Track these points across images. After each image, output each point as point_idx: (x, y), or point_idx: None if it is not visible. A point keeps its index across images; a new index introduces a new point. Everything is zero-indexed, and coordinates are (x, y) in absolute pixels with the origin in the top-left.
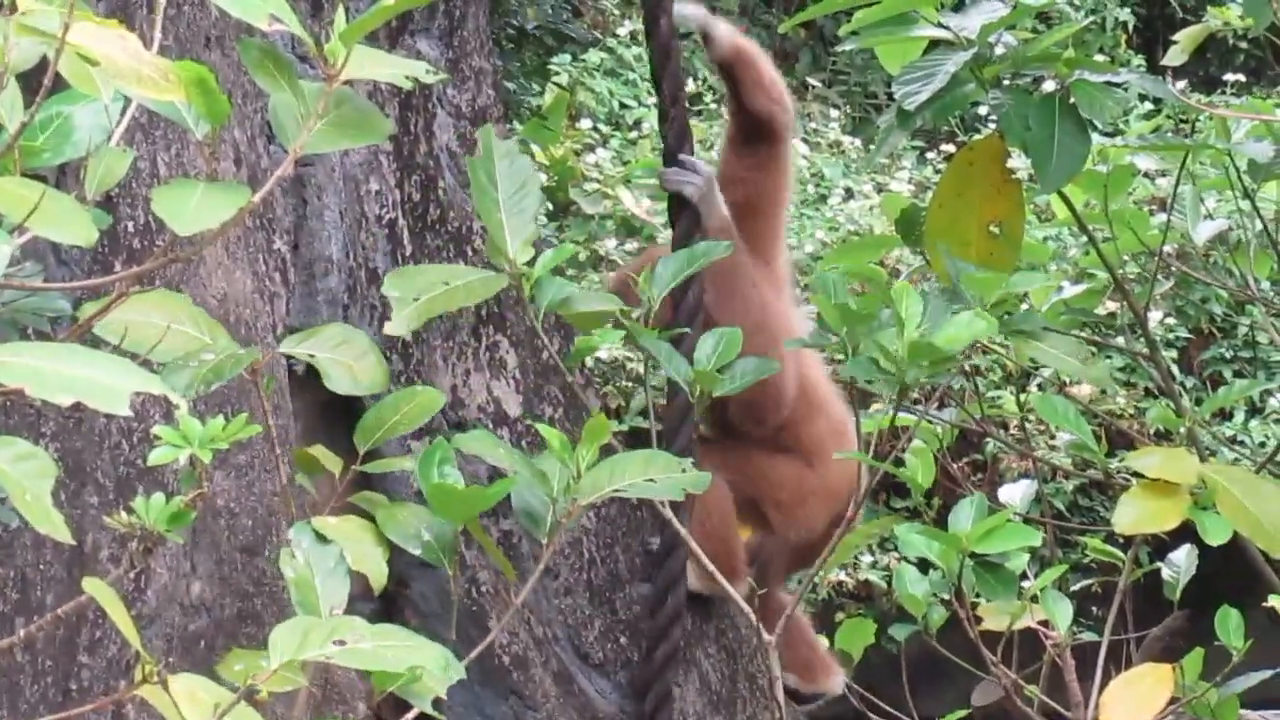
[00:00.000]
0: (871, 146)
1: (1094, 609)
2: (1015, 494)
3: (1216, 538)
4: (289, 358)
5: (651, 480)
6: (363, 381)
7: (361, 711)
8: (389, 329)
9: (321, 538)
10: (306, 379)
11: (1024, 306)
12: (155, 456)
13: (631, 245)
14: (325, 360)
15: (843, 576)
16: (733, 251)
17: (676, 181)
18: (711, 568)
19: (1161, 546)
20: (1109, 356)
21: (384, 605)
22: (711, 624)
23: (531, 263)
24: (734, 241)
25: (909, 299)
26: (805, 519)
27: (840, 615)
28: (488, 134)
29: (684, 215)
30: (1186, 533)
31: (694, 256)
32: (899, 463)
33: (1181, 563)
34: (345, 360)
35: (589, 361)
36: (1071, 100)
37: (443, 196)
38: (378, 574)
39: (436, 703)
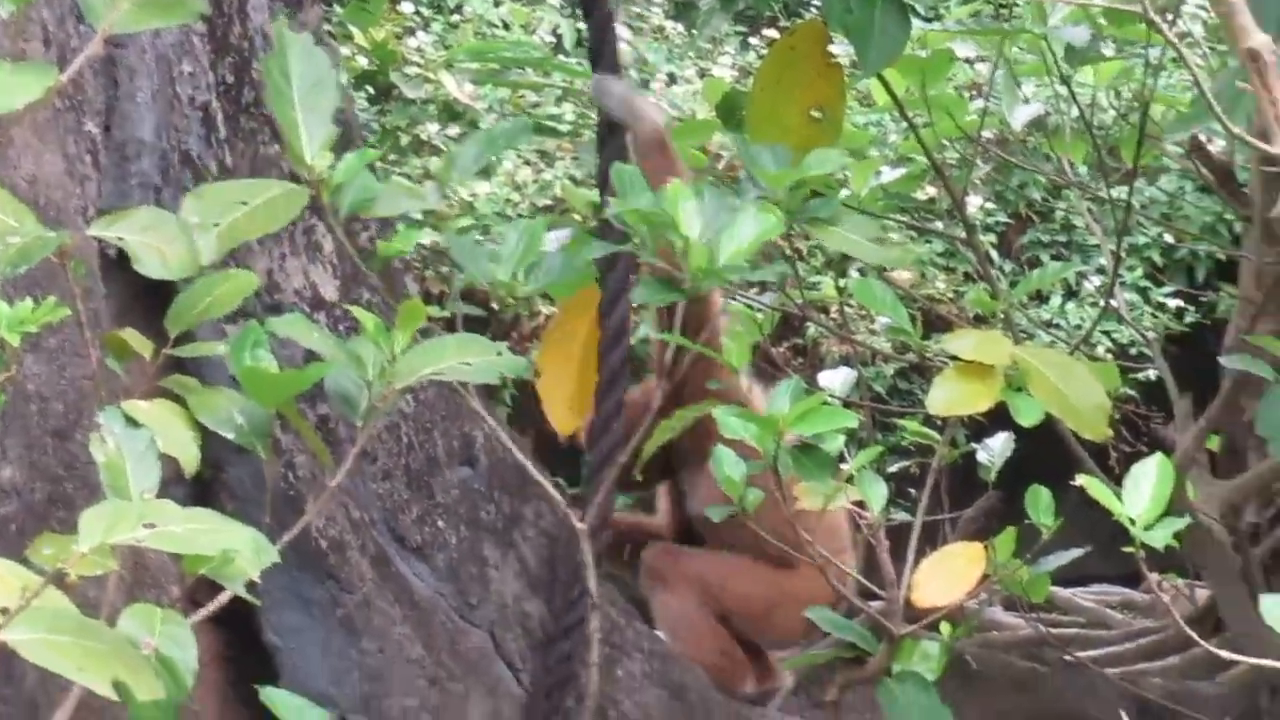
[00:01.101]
0: (694, 31)
1: (911, 491)
2: (835, 380)
3: (1029, 419)
4: (102, 241)
5: (467, 364)
6: (173, 265)
7: (175, 595)
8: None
9: (132, 422)
10: (121, 263)
11: (844, 191)
12: None
13: (454, 130)
14: (134, 243)
15: None
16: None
17: (603, 92)
18: (531, 468)
19: (979, 429)
20: (928, 241)
21: (200, 491)
22: (529, 507)
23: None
24: (669, 155)
25: (683, 202)
26: (785, 623)
27: None
28: (280, 29)
29: (612, 132)
30: (1005, 417)
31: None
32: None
33: (997, 446)
34: (155, 244)
35: (428, 231)
36: None
37: (257, 79)
38: (189, 458)
39: (249, 585)
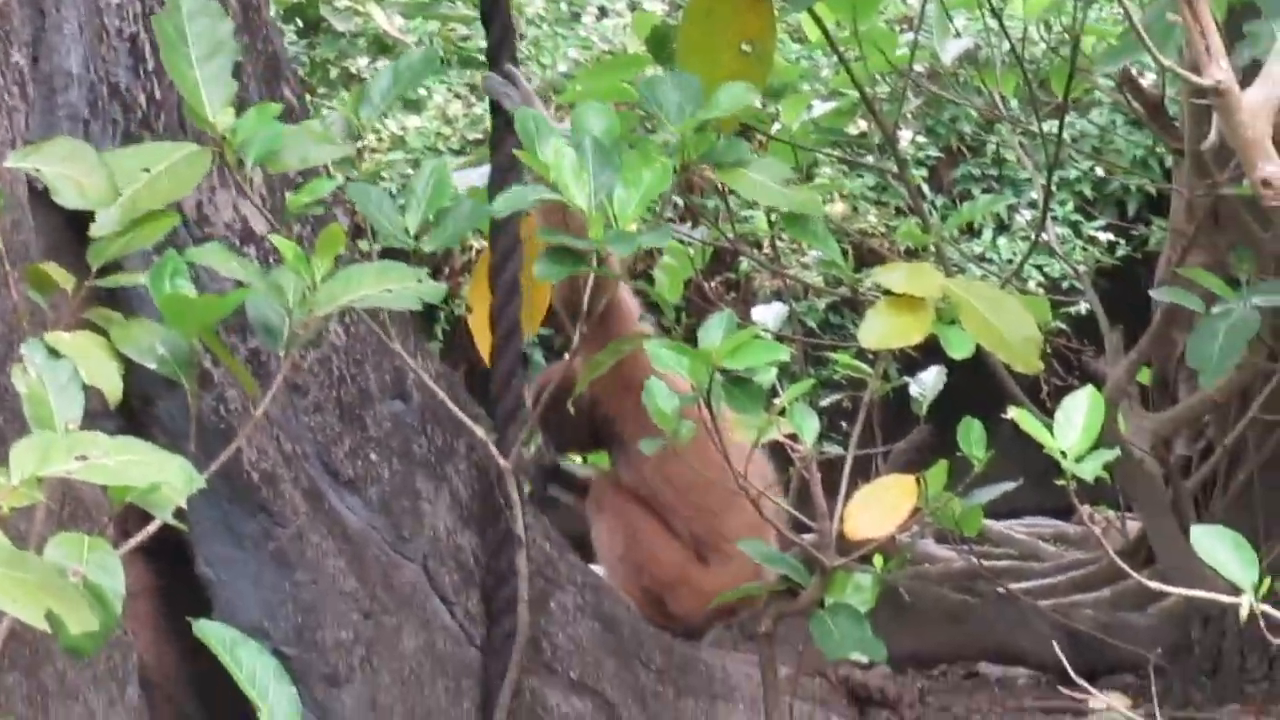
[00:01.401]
0: None
1: (843, 425)
2: (768, 315)
3: (960, 351)
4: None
5: (388, 291)
6: (91, 196)
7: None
8: (94, 231)
9: (54, 353)
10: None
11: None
12: None
13: (383, 62)
14: (51, 174)
15: None
16: None
17: (497, 90)
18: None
19: (911, 364)
20: (860, 175)
21: (131, 425)
22: (462, 440)
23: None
24: None
25: (567, 167)
26: (677, 606)
27: None
28: None
29: (504, 129)
30: (937, 351)
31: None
32: (650, 280)
33: (929, 379)
34: (73, 175)
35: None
36: None
37: None
38: (112, 389)
39: (178, 513)
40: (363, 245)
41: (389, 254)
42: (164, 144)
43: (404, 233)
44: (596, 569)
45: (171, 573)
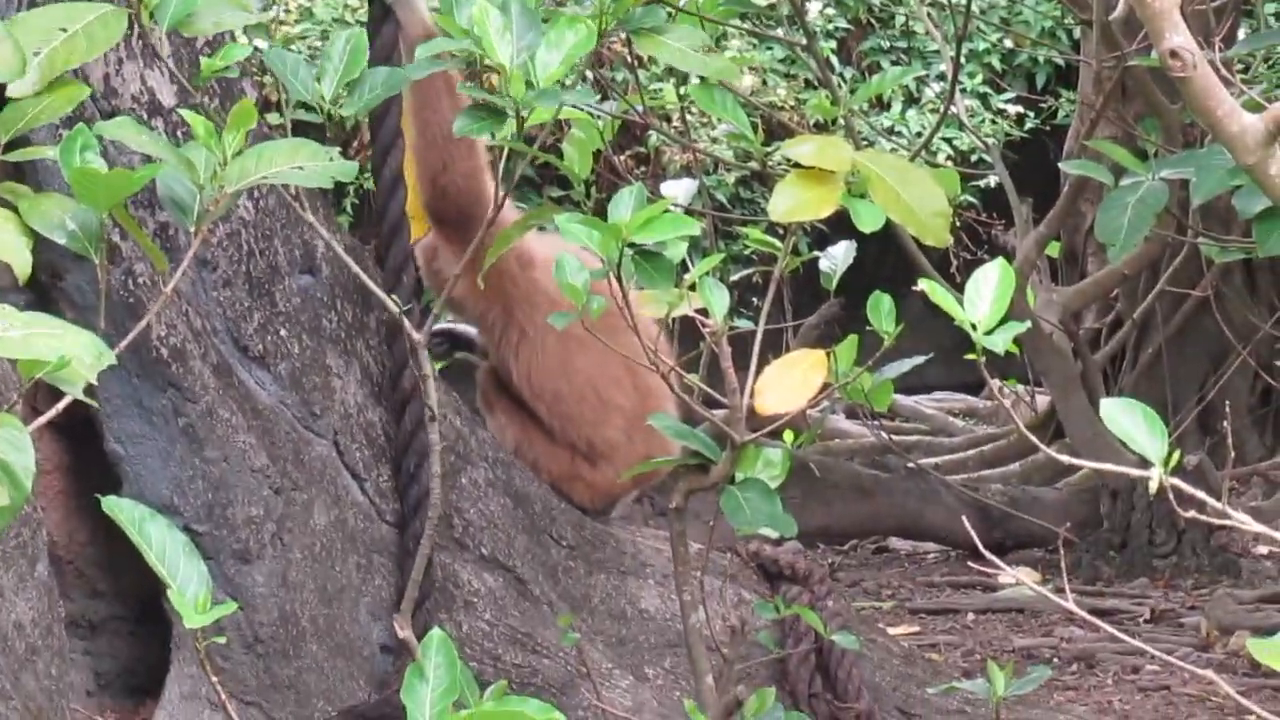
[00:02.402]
0: None
1: (754, 300)
2: (677, 189)
3: (869, 225)
4: None
5: (299, 168)
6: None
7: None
8: (12, 91)
9: None
10: None
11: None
12: None
13: None
14: None
15: None
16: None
17: None
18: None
19: (822, 238)
20: (769, 48)
21: (39, 299)
22: (372, 315)
23: None
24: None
25: (490, 23)
26: (576, 498)
27: None
28: None
29: (385, 22)
30: (847, 226)
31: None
32: (558, 153)
33: (839, 254)
34: None
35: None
36: None
37: None
38: (21, 263)
39: (89, 390)
40: (273, 119)
41: (297, 130)
42: (78, 4)
43: (320, 99)
44: None
45: (80, 450)
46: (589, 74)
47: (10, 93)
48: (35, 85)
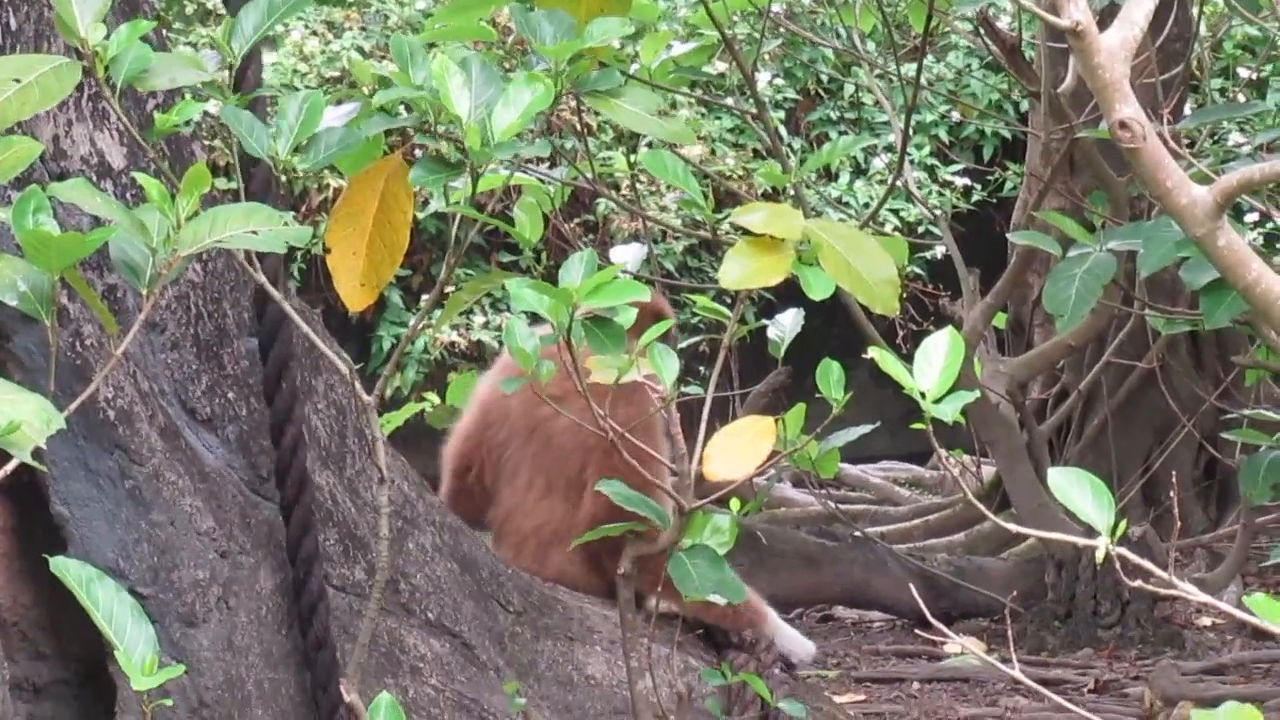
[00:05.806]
0: None
1: (701, 369)
2: (626, 255)
3: (820, 293)
4: None
5: (253, 232)
6: None
7: None
8: None
9: None
10: None
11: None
12: None
13: None
14: None
15: (454, 337)
16: None
17: None
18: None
19: (770, 308)
20: (718, 117)
21: None
22: (320, 379)
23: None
24: None
25: (451, 78)
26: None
27: (452, 375)
28: None
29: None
30: (796, 295)
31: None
32: (509, 220)
33: (787, 322)
34: None
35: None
36: None
37: None
38: None
39: (37, 454)
40: (220, 184)
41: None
42: (32, 56)
43: (274, 155)
44: None
45: (25, 511)
46: (538, 140)
47: None
48: None
